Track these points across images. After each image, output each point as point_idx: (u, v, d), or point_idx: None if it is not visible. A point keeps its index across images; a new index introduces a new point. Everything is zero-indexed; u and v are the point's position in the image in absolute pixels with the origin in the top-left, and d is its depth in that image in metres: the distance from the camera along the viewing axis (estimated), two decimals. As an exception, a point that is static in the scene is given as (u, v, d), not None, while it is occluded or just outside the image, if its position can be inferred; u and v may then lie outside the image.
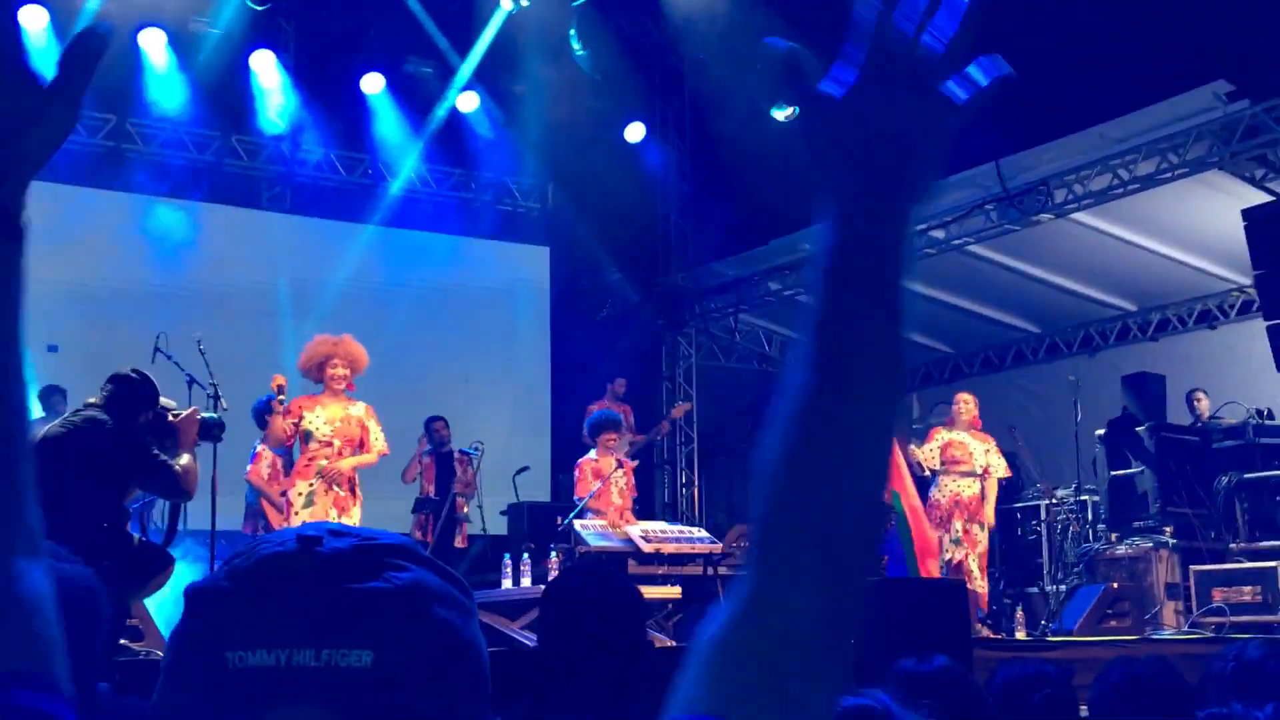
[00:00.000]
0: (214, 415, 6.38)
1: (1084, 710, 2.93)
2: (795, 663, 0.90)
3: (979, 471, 9.80)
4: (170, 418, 5.72)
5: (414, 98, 12.67)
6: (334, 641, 0.79)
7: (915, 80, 0.94)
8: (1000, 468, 9.97)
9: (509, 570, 8.81)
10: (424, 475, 10.96)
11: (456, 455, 10.79)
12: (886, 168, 0.95)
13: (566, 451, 12.83)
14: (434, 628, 0.82)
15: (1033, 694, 2.63)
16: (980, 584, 9.46)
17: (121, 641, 5.09)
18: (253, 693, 0.78)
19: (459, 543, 10.65)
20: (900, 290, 0.96)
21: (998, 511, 10.19)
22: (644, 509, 10.48)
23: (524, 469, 11.28)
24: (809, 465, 0.92)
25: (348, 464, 7.72)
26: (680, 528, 9.98)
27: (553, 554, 8.80)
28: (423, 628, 0.81)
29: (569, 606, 2.65)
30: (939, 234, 11.87)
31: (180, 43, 11.57)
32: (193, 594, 0.84)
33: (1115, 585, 9.08)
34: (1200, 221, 11.05)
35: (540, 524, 10.47)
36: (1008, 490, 11.63)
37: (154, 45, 11.46)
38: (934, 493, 9.80)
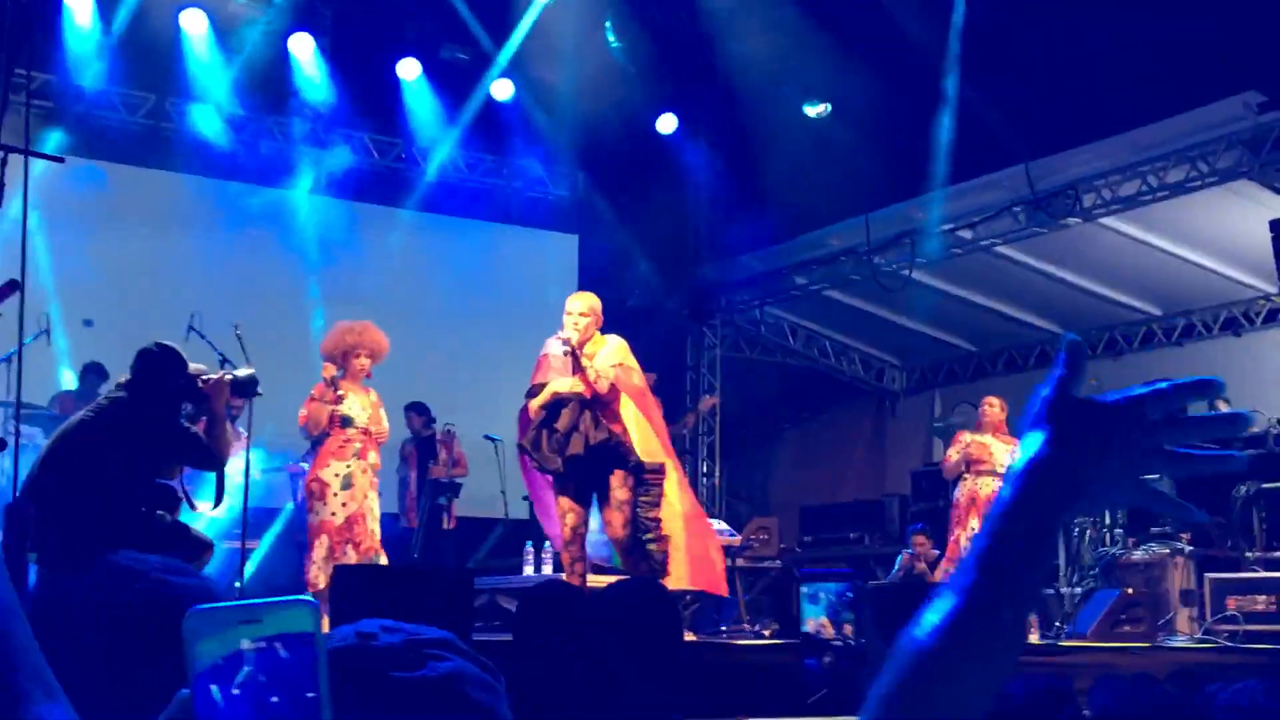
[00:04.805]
0: (246, 373, 6.11)
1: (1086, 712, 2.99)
2: None
3: (999, 470, 9.86)
4: (200, 383, 5.64)
5: (450, 84, 12.77)
6: None
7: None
8: None
9: (530, 557, 8.92)
10: (407, 462, 10.98)
11: (439, 437, 10.85)
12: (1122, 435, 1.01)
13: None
14: (472, 709, 0.95)
15: (1058, 713, 2.69)
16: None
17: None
18: None
19: (446, 524, 10.65)
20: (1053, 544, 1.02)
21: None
22: (665, 499, 10.55)
23: (548, 456, 11.35)
24: (941, 672, 0.97)
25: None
26: (700, 519, 10.03)
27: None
28: (462, 710, 0.94)
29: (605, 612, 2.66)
30: (966, 234, 11.89)
31: (221, 25, 11.69)
32: None
33: (1130, 591, 9.12)
34: (1228, 229, 11.06)
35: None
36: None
37: (195, 26, 11.58)
38: (955, 493, 9.93)
